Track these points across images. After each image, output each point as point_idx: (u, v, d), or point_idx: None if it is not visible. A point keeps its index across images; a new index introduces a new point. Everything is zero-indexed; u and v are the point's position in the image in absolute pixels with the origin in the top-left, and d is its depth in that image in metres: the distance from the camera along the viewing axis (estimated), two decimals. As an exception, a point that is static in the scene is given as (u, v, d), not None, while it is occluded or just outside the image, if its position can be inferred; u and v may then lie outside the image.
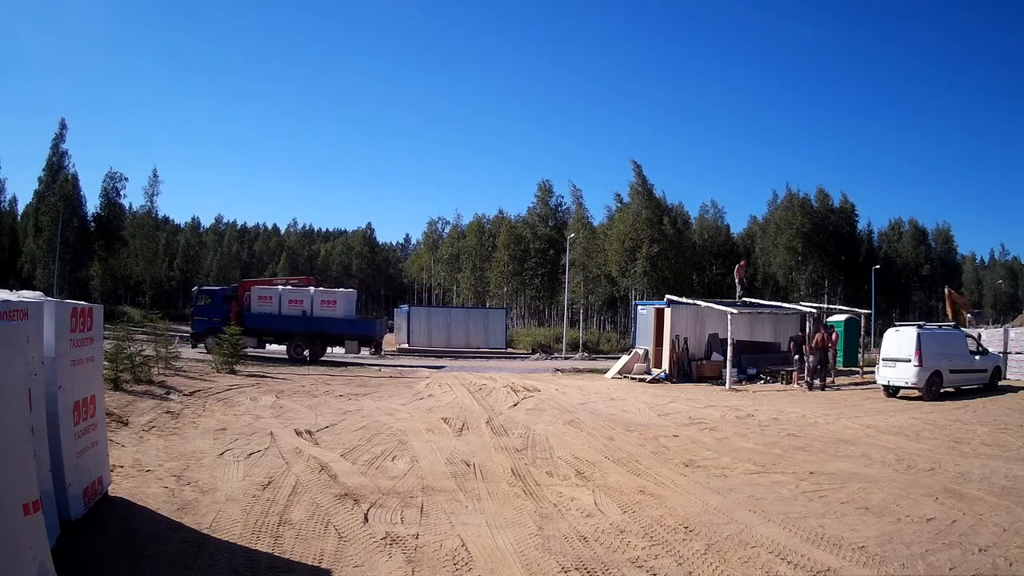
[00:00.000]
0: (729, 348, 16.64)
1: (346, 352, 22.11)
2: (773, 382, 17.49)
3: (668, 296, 20.56)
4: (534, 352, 31.26)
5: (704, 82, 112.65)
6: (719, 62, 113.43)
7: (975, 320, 26.59)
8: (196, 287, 25.54)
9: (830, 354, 17.23)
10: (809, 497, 6.02)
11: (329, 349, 22.29)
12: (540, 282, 51.56)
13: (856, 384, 17.36)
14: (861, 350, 21.07)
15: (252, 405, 11.02)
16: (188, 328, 23.53)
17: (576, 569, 4.19)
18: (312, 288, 22.78)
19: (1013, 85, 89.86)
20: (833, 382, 17.05)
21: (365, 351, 22.50)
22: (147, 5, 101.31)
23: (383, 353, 24.37)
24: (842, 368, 19.49)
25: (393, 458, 7.29)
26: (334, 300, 22.19)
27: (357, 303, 23.86)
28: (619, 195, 49.38)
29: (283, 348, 21.88)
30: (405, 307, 35.27)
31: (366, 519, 5.09)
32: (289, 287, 22.69)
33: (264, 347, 21.79)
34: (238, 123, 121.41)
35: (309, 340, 21.46)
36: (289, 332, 21.57)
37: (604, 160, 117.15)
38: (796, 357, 17.00)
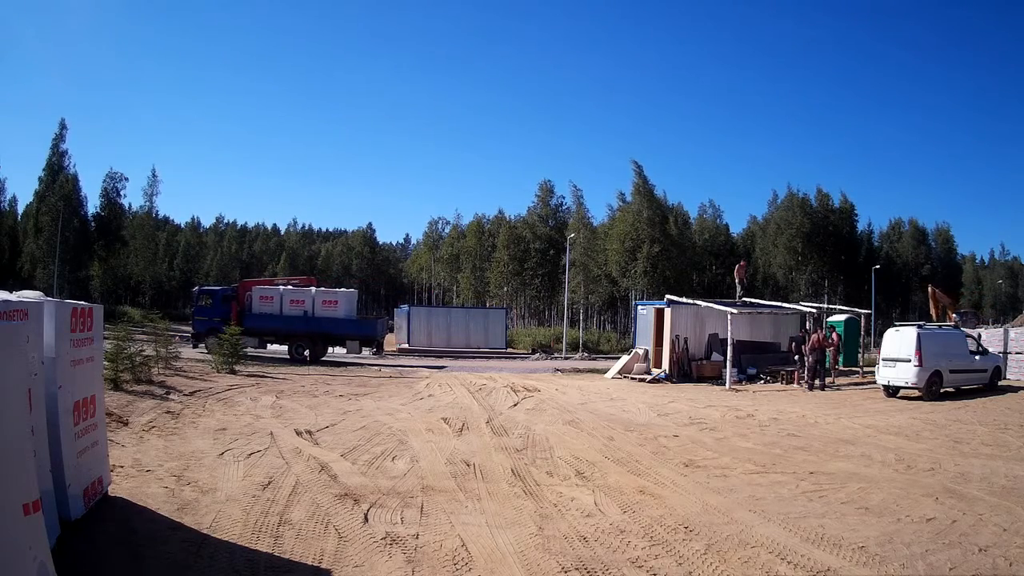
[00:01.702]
0: (729, 348, 16.64)
1: (348, 352, 22.09)
2: (773, 382, 17.48)
3: (668, 296, 20.56)
4: (534, 352, 31.25)
5: (704, 82, 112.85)
6: (719, 62, 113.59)
7: (960, 321, 24.60)
8: (197, 287, 25.49)
9: (831, 354, 17.23)
10: (809, 497, 6.02)
11: (330, 349, 22.29)
12: (540, 282, 51.52)
13: (856, 384, 17.36)
14: (861, 350, 21.06)
15: (252, 405, 11.02)
16: (188, 328, 23.52)
17: (576, 569, 4.19)
18: (313, 288, 22.76)
19: (1013, 85, 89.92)
20: (833, 382, 17.05)
21: (366, 351, 22.50)
22: (147, 5, 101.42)
23: (384, 353, 24.37)
24: (842, 368, 19.48)
25: (393, 458, 7.29)
26: (336, 300, 22.16)
27: (357, 303, 23.87)
28: (622, 194, 49.38)
29: (283, 348, 21.87)
30: (405, 307, 35.26)
31: (366, 519, 5.09)
32: (290, 287, 22.65)
33: (265, 347, 21.78)
34: (238, 123, 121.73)
35: (311, 340, 21.44)
36: (290, 332, 21.52)
37: (604, 160, 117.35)
38: (797, 357, 17.01)
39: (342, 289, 26.58)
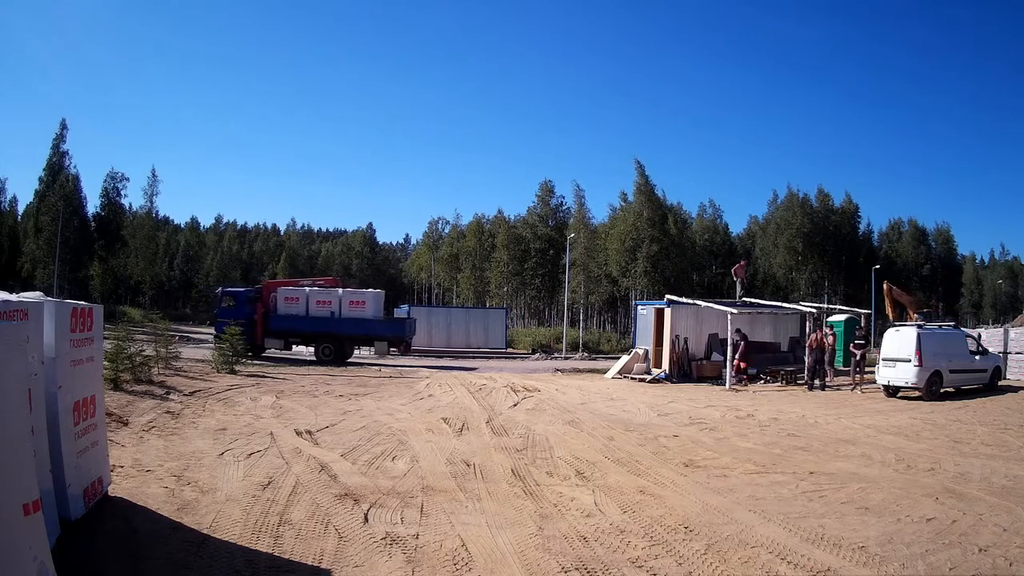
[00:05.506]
0: (729, 348, 16.64)
1: (375, 352, 22.06)
2: (773, 382, 17.49)
3: (668, 296, 20.56)
4: (534, 352, 31.27)
5: (704, 82, 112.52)
6: (719, 62, 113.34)
7: (924, 321, 20.98)
8: (220, 288, 25.20)
9: (828, 354, 17.21)
10: (809, 497, 6.02)
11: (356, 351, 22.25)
12: (540, 282, 51.61)
13: (856, 384, 17.34)
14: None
15: (252, 405, 11.01)
16: (187, 328, 23.51)
17: (576, 569, 4.19)
18: (340, 289, 22.67)
19: (1013, 85, 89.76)
20: (832, 381, 17.05)
21: (393, 351, 22.48)
22: (147, 5, 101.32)
23: (411, 351, 24.14)
24: (840, 368, 19.46)
25: (393, 458, 7.28)
26: (363, 301, 21.93)
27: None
28: (624, 194, 49.47)
29: (306, 349, 21.77)
30: (405, 307, 35.31)
31: (366, 519, 5.08)
32: (316, 288, 22.48)
33: (290, 348, 21.71)
34: (238, 123, 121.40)
35: (338, 341, 21.25)
36: (317, 333, 21.32)
37: (604, 160, 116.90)
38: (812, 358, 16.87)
39: (370, 290, 26.27)
